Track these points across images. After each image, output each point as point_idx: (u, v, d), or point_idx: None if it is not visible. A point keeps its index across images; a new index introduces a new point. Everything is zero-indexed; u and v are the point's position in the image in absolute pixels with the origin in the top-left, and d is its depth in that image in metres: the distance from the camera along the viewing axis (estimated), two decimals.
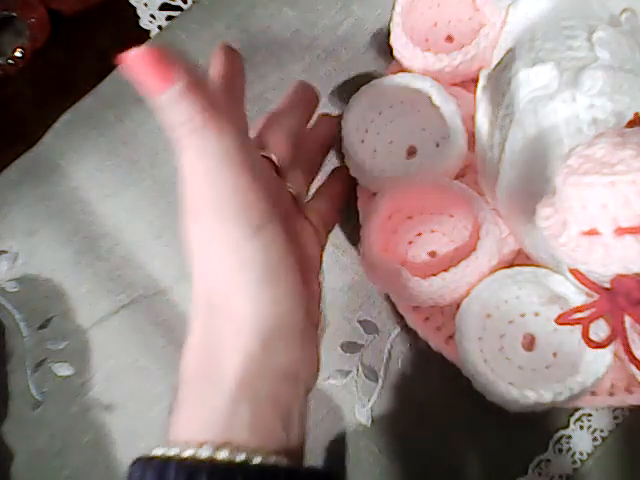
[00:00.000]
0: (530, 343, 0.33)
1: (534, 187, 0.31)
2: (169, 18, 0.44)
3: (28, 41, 0.44)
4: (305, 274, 0.27)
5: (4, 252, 0.41)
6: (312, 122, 0.35)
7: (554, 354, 0.32)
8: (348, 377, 0.37)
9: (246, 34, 0.43)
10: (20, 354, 0.39)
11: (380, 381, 0.36)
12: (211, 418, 0.24)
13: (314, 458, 0.35)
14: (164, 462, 0.23)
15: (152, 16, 0.45)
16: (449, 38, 0.39)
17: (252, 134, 0.31)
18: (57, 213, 0.41)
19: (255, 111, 0.42)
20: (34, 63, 0.45)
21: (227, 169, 0.25)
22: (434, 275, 0.32)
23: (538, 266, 0.32)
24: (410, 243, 0.35)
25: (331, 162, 0.40)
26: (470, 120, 0.35)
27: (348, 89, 0.41)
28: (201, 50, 0.43)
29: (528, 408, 0.31)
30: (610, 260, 0.27)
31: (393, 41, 0.38)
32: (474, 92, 0.35)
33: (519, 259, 0.34)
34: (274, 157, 0.30)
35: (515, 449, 0.34)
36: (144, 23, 0.44)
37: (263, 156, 0.30)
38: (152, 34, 0.44)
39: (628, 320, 0.29)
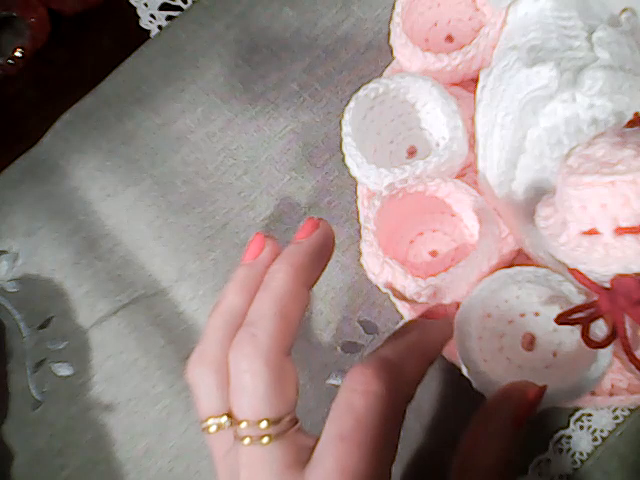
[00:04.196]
0: (530, 343, 0.33)
1: (534, 187, 0.31)
2: (169, 18, 0.44)
3: (28, 41, 0.44)
4: None
5: (4, 252, 0.41)
6: None
7: (554, 354, 0.32)
8: None
9: (246, 34, 0.43)
10: (20, 354, 0.39)
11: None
12: None
13: None
14: None
15: (152, 16, 0.45)
16: (449, 38, 0.39)
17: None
18: (57, 213, 0.41)
19: (255, 111, 0.42)
20: (34, 63, 0.45)
21: None
22: (434, 275, 0.32)
23: (538, 266, 0.32)
24: (411, 242, 0.35)
25: (332, 161, 0.40)
26: (470, 120, 0.35)
27: (348, 89, 0.41)
28: (201, 50, 0.43)
29: None
30: (610, 260, 0.27)
31: (393, 41, 0.38)
32: (474, 92, 0.35)
33: (519, 259, 0.34)
34: None
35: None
36: (144, 23, 0.44)
37: None
38: (152, 34, 0.44)
39: (628, 320, 0.29)
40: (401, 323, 0.36)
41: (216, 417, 0.26)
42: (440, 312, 0.30)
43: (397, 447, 0.25)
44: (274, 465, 0.25)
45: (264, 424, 0.25)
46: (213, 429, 0.26)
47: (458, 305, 0.32)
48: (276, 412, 0.25)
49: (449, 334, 0.30)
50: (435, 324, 0.29)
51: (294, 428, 0.26)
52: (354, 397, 0.24)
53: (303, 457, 0.25)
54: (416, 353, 0.27)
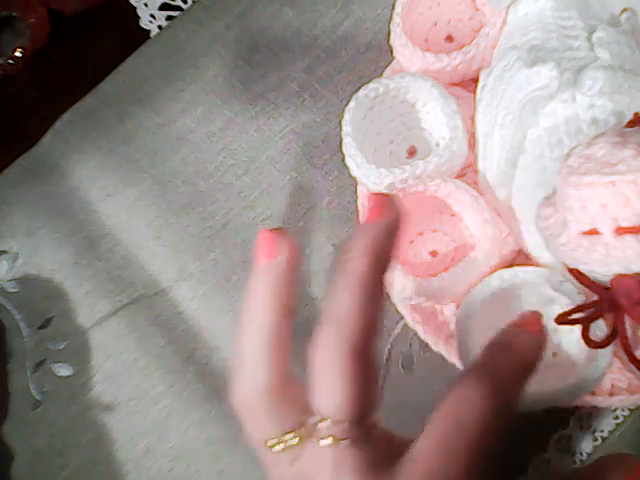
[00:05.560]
0: None
1: (534, 187, 0.31)
2: (169, 18, 0.44)
3: (28, 41, 0.44)
4: None
5: (4, 252, 0.41)
6: None
7: (554, 354, 0.32)
8: None
9: (246, 34, 0.43)
10: (20, 354, 0.39)
11: (380, 381, 0.36)
12: None
13: None
14: None
15: (152, 16, 0.45)
16: (449, 38, 0.39)
17: None
18: (57, 213, 0.41)
19: (255, 111, 0.42)
20: (34, 63, 0.44)
21: None
22: (434, 275, 0.32)
23: (538, 266, 0.32)
24: (411, 242, 0.35)
25: (332, 161, 0.40)
26: (470, 120, 0.35)
27: (348, 89, 0.41)
28: (201, 50, 0.43)
29: (528, 408, 0.31)
30: (611, 260, 0.27)
31: (393, 41, 0.38)
32: (474, 92, 0.35)
33: (519, 259, 0.34)
34: None
35: (515, 449, 0.34)
36: (144, 23, 0.44)
37: None
38: (152, 34, 0.44)
39: (628, 320, 0.29)
40: (401, 323, 0.36)
41: (278, 438, 0.25)
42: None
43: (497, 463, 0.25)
44: (360, 464, 0.24)
45: (349, 424, 0.24)
46: (278, 448, 0.25)
47: (458, 305, 0.32)
48: (361, 411, 0.25)
49: (543, 346, 0.29)
50: (532, 336, 0.28)
51: (378, 426, 0.26)
52: (459, 406, 0.24)
53: (388, 456, 0.25)
54: (517, 367, 0.27)
